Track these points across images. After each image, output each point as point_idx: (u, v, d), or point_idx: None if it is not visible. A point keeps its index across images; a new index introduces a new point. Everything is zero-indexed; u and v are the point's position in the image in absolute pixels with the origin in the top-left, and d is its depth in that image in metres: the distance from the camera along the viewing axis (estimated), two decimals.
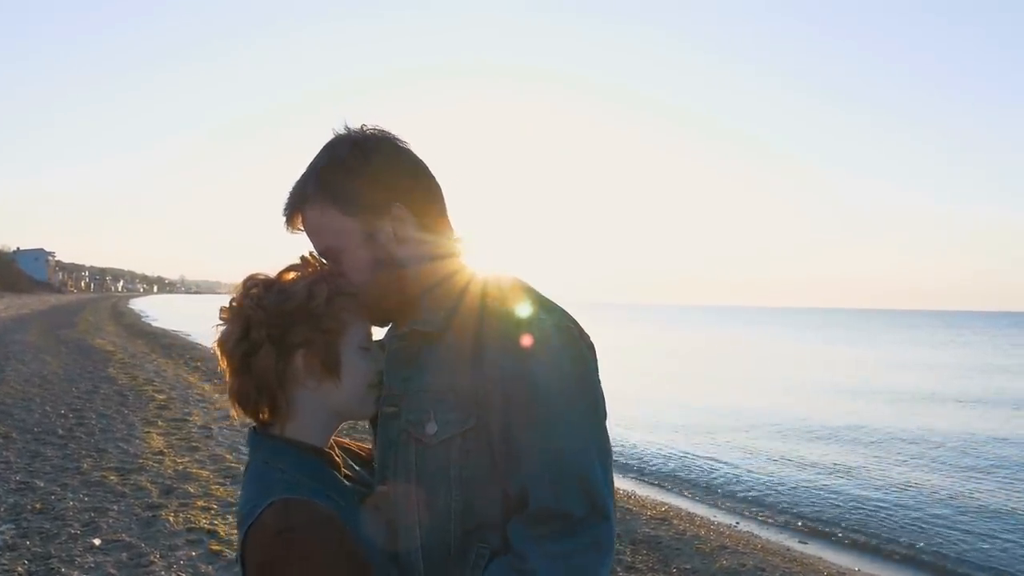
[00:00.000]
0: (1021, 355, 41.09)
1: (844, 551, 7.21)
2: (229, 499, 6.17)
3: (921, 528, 8.01)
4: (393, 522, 1.30)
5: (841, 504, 8.86)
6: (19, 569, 4.53)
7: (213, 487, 6.52)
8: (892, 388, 21.29)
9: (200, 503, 6.00)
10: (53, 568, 4.56)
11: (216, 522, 5.52)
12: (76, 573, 4.52)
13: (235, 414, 1.35)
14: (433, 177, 1.39)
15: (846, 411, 16.34)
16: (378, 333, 1.44)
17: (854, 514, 8.44)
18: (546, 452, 1.20)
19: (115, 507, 5.82)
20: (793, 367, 28.85)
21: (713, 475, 10.06)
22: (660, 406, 14.45)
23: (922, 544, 7.46)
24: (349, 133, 1.35)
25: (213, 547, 4.99)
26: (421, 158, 1.38)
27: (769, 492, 9.27)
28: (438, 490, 1.26)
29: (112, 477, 6.71)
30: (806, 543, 7.30)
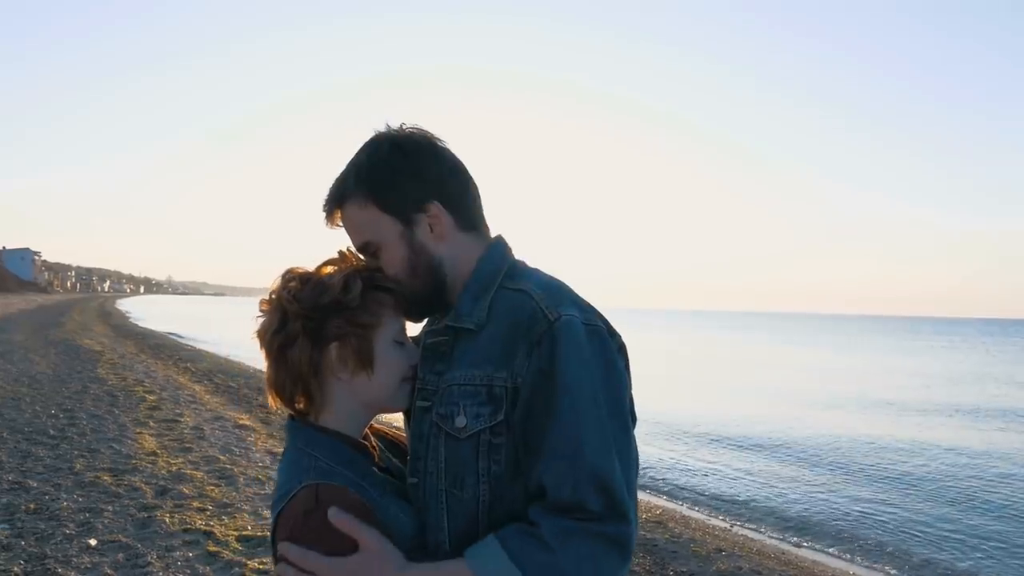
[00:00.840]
0: (1009, 361, 41.39)
1: (839, 555, 7.24)
2: (224, 500, 6.14)
3: (916, 533, 8.05)
4: (423, 514, 1.32)
5: (836, 508, 8.90)
6: (15, 569, 4.49)
7: (208, 488, 6.48)
8: (884, 394, 21.41)
9: (195, 504, 5.96)
10: (49, 568, 4.52)
11: (212, 523, 5.48)
12: (73, 574, 4.48)
13: (272, 403, 1.37)
14: (471, 177, 1.41)
15: (840, 417, 16.42)
16: (413, 329, 1.45)
17: (849, 518, 8.48)
18: (566, 447, 1.21)
19: (110, 508, 5.77)
20: (784, 372, 28.97)
21: (708, 478, 10.09)
22: (652, 411, 14.48)
23: (917, 549, 7.50)
24: (389, 131, 1.37)
25: (210, 548, 4.95)
26: (459, 158, 1.40)
27: (764, 495, 9.31)
28: (467, 483, 1.28)
29: (106, 478, 6.65)
30: (801, 546, 7.34)
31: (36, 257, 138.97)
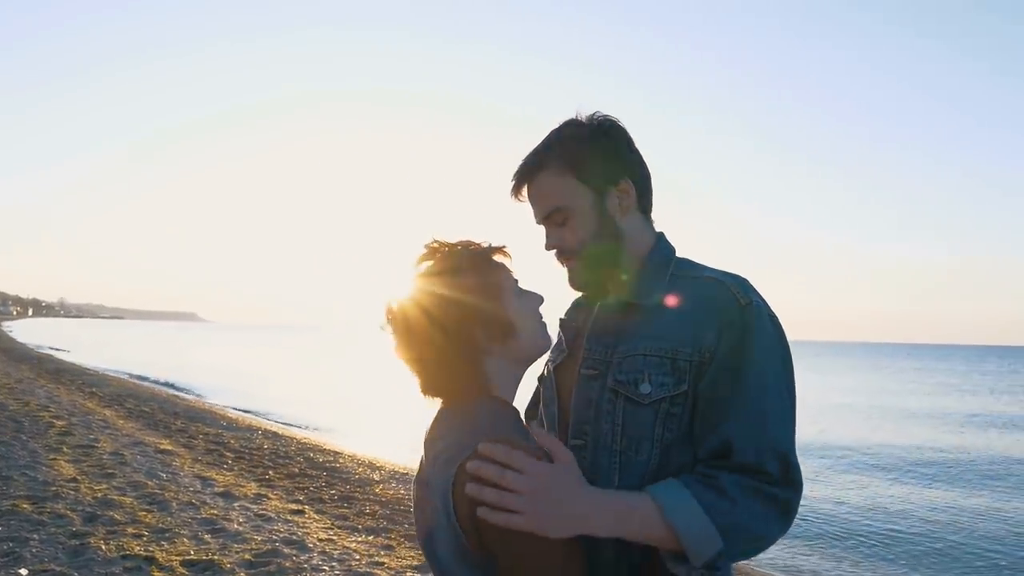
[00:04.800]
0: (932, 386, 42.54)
1: (840, 563, 7.43)
2: (160, 525, 5.84)
3: (916, 542, 8.24)
4: (588, 473, 1.35)
5: (836, 515, 9.13)
6: None
7: (140, 514, 6.15)
8: (878, 408, 22.14)
9: (130, 530, 5.64)
10: None
11: (152, 548, 5.21)
12: None
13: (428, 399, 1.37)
14: (649, 169, 1.52)
15: (834, 427, 16.76)
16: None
17: (847, 525, 8.72)
18: (753, 417, 1.29)
19: (35, 536, 5.39)
20: None
21: None
22: None
23: (916, 561, 7.62)
24: (582, 117, 1.47)
25: (155, 573, 4.71)
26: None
27: None
28: (642, 447, 1.35)
29: (25, 506, 6.21)
30: (798, 552, 7.54)
31: None
